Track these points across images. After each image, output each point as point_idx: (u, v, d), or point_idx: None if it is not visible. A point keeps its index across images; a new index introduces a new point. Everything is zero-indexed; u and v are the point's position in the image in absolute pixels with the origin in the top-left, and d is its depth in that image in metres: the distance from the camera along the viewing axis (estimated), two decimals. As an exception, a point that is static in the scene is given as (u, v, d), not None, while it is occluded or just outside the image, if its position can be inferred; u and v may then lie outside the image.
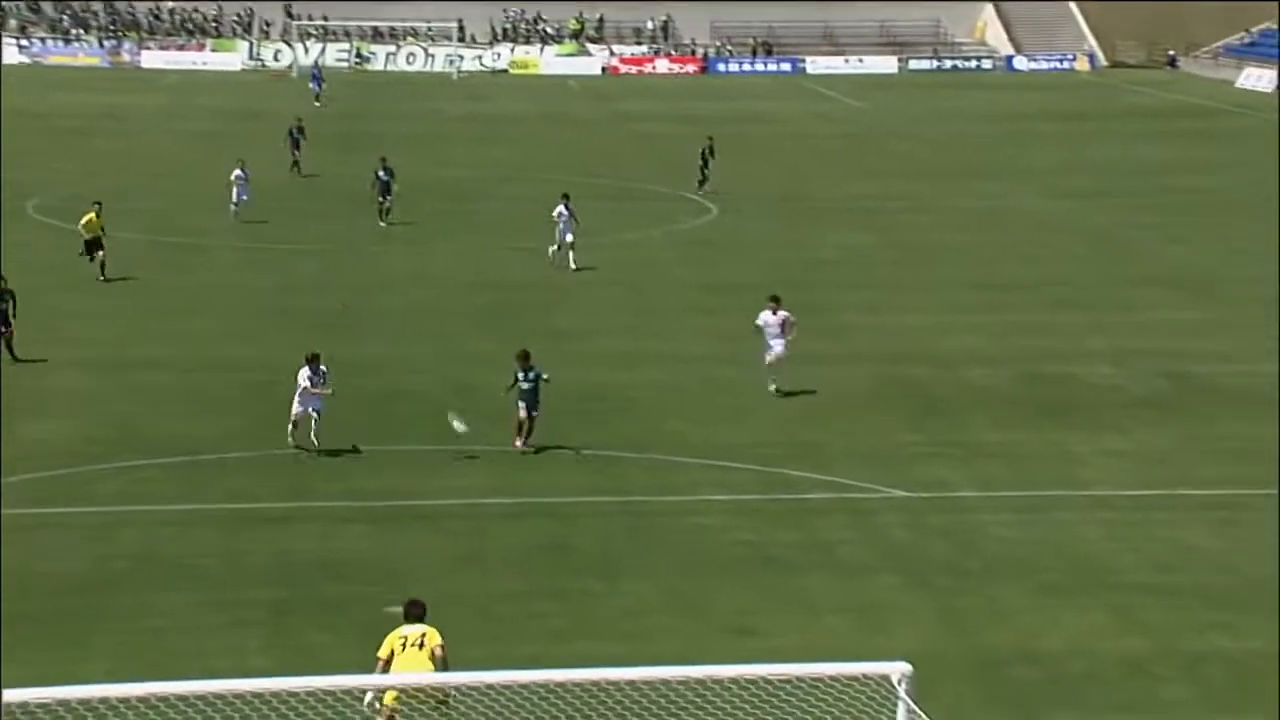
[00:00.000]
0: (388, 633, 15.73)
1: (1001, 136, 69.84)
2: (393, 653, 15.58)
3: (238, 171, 47.16)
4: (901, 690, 12.30)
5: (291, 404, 25.98)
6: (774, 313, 29.60)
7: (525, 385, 25.81)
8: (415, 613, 16.08)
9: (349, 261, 43.07)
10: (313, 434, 25.80)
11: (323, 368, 26.20)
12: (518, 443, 25.75)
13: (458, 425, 25.07)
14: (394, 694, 15.41)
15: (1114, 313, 36.95)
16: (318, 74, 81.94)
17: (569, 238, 40.58)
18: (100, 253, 38.86)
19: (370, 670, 15.29)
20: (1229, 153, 64.04)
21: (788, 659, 16.10)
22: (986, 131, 71.58)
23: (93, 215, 39.00)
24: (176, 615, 19.77)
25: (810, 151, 59.63)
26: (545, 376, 26.10)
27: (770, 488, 24.67)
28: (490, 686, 12.44)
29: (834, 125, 74.39)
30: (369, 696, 15.22)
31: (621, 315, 37.04)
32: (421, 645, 15.61)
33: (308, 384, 25.84)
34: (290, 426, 25.98)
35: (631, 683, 14.37)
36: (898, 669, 12.37)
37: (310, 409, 25.97)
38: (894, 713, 12.48)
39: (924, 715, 12.14)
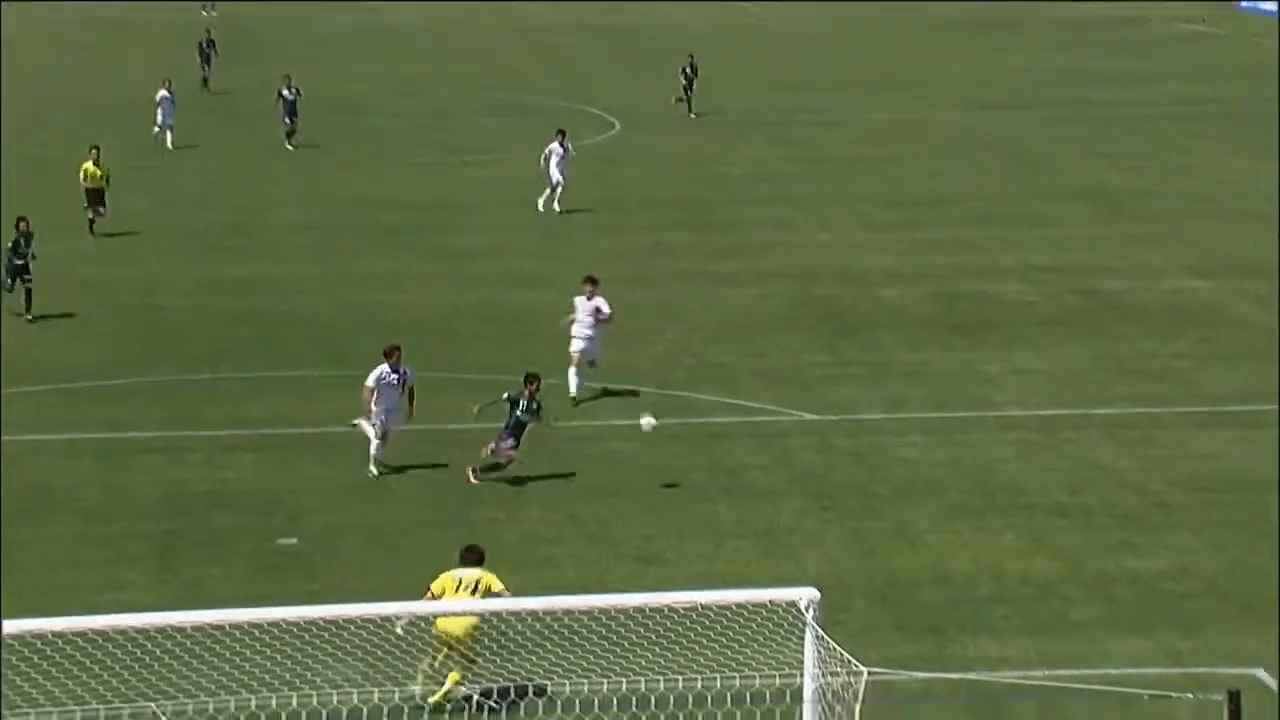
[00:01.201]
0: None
1: (915, 47, 70.06)
2: (443, 593, 15.41)
3: (163, 92, 45.69)
4: (809, 616, 12.48)
5: (366, 415, 21.91)
6: (588, 297, 25.18)
7: (523, 416, 21.66)
8: (471, 558, 15.81)
9: (237, 178, 42.46)
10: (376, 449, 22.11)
11: (405, 368, 21.99)
12: (471, 474, 21.74)
13: (647, 421, 21.90)
14: (454, 676, 15.23)
15: (1028, 228, 37.37)
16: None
17: (558, 177, 37.91)
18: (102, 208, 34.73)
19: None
20: (1155, 65, 64.73)
21: (693, 586, 16.28)
22: (899, 42, 71.77)
23: (90, 163, 34.91)
24: (56, 550, 19.56)
25: (718, 64, 59.50)
26: (550, 418, 22.23)
27: (675, 411, 24.80)
28: (385, 619, 12.45)
29: (743, 36, 74.18)
30: (401, 625, 14.98)
31: (525, 235, 36.87)
32: (475, 591, 15.40)
33: (384, 384, 21.65)
34: (375, 445, 21.91)
35: (533, 613, 14.47)
36: (805, 595, 12.53)
37: (386, 419, 21.83)
38: (802, 639, 12.67)
39: (831, 641, 12.33)
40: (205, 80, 54.86)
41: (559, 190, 38.15)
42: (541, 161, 38.58)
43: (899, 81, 59.71)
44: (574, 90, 56.51)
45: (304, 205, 39.40)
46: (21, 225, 29.34)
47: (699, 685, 15.05)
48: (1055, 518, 20.65)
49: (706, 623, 14.57)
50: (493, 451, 21.58)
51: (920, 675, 16.02)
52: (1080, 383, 26.39)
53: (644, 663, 14.71)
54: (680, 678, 15.13)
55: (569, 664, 14.68)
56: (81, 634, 11.31)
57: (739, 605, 14.78)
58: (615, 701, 13.97)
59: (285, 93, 46.25)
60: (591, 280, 25.55)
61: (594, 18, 78.01)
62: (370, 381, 21.83)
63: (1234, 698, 10.18)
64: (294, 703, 13.26)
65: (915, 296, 31.63)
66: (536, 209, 38.20)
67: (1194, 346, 28.30)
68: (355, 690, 13.44)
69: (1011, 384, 26.30)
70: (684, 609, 14.89)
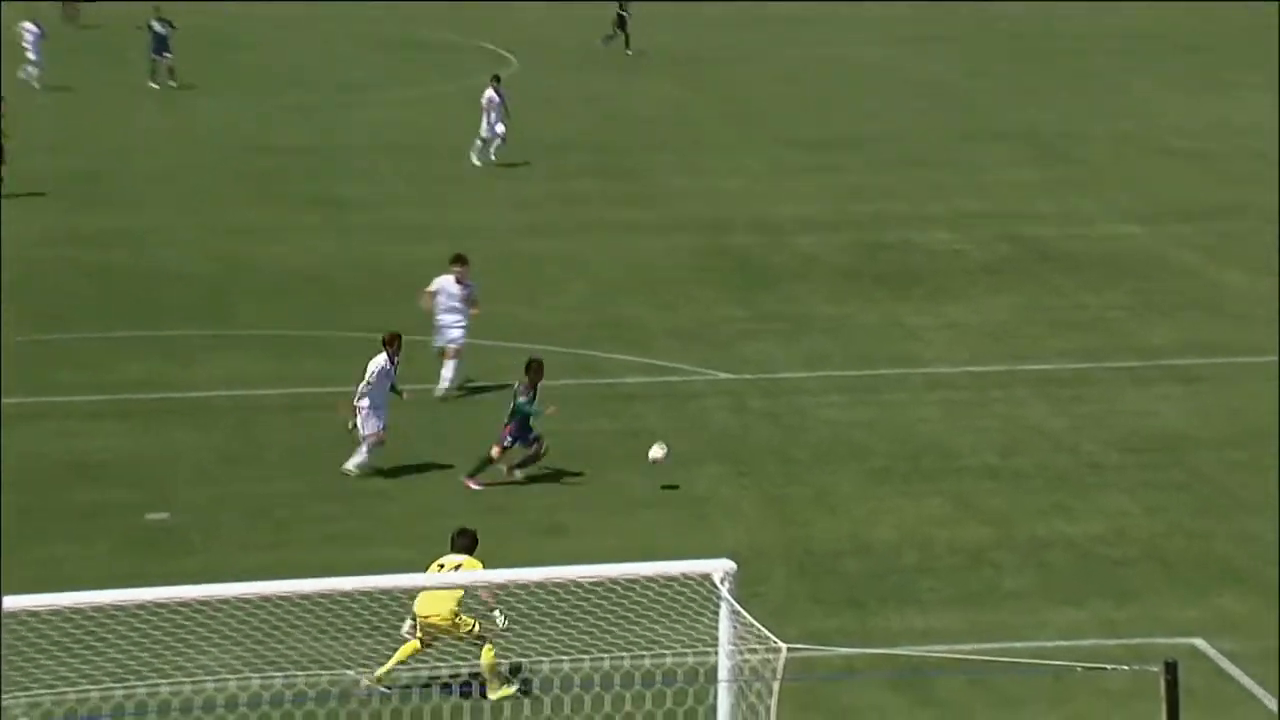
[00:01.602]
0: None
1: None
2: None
3: (28, 24, 44.58)
4: (724, 590, 12.54)
5: (356, 408, 20.70)
6: (458, 280, 23.36)
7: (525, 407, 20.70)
8: (461, 543, 15.78)
9: (98, 120, 41.75)
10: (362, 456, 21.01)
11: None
12: (472, 482, 20.66)
13: (657, 452, 20.48)
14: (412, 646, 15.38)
15: (955, 172, 37.68)
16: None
17: (500, 129, 37.22)
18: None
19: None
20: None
21: (601, 560, 16.29)
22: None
23: None
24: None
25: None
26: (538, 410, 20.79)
27: (580, 372, 24.78)
28: (266, 599, 12.35)
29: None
30: (406, 625, 15.37)
31: (411, 183, 36.61)
32: None
33: (379, 379, 20.54)
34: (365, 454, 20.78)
35: (428, 590, 14.44)
36: (720, 567, 12.59)
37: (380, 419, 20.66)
38: (717, 614, 12.74)
39: (748, 616, 12.41)
40: (71, 15, 53.83)
41: (495, 144, 37.35)
42: (483, 103, 37.35)
43: (817, 14, 59.84)
44: (468, 23, 56.08)
45: (171, 149, 38.86)
46: None
47: (607, 664, 15.10)
48: (984, 481, 20.90)
49: (615, 598, 14.60)
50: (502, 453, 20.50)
51: (842, 651, 16.17)
52: (1010, 337, 26.68)
53: (548, 641, 14.74)
54: (587, 656, 15.18)
55: (466, 644, 14.68)
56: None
57: (650, 579, 14.83)
58: (517, 682, 14.00)
59: (155, 26, 45.33)
60: (461, 260, 23.43)
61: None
62: (372, 378, 20.48)
63: (1170, 669, 10.36)
64: (164, 691, 13.15)
65: (836, 246, 31.80)
66: (472, 164, 37.30)
67: (1128, 297, 28.71)
68: (234, 677, 13.33)
69: (938, 339, 26.55)
70: (591, 583, 14.95)
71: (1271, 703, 15.44)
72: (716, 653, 12.74)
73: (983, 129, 42.29)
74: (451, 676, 15.30)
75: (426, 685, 15.12)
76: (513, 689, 15.09)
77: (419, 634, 15.43)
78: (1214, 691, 15.57)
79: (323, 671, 14.83)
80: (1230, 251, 31.40)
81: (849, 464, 21.42)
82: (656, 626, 15.18)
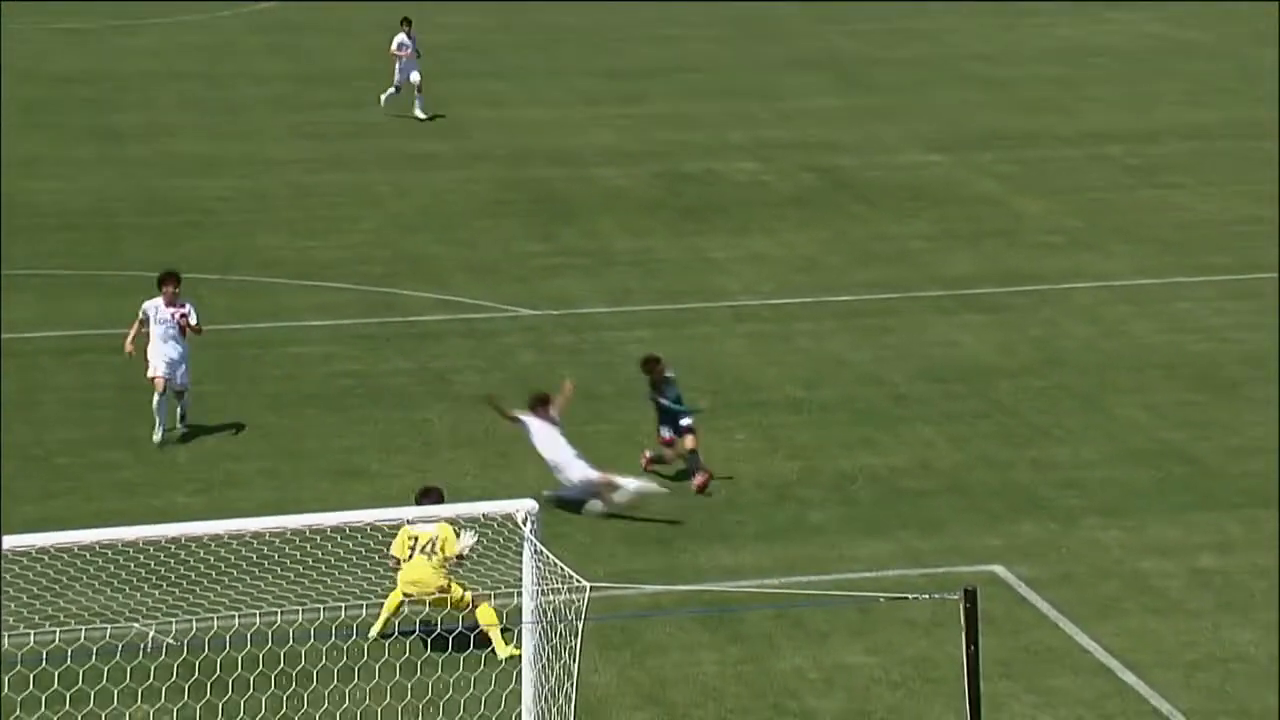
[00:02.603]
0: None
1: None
2: (404, 556, 15.05)
3: None
4: (527, 530, 12.65)
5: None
6: (169, 301, 19.96)
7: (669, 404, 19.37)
8: (427, 502, 15.10)
9: None
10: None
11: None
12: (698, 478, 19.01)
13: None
14: (395, 600, 15.15)
15: (758, 101, 38.06)
16: None
17: (415, 76, 35.62)
18: None
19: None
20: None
21: (402, 502, 16.30)
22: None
23: None
24: None
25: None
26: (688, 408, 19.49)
27: (377, 309, 24.64)
28: (44, 550, 12.15)
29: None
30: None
31: (194, 112, 35.89)
32: (432, 552, 14.93)
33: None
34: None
35: (217, 537, 14.30)
36: (523, 507, 12.69)
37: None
38: (519, 554, 12.84)
39: (552, 556, 12.54)
40: None
41: (416, 93, 35.54)
42: (393, 50, 35.89)
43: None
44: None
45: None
46: None
47: (406, 610, 15.14)
48: (790, 414, 21.28)
49: (415, 541, 14.66)
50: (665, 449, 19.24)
51: (648, 589, 16.41)
52: (815, 269, 27.14)
53: (346, 586, 14.72)
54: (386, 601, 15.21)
55: (259, 593, 14.57)
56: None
57: (452, 520, 14.89)
58: (312, 632, 13.96)
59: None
60: (172, 279, 20.08)
61: None
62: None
63: (970, 596, 10.72)
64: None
65: (638, 177, 31.98)
66: (379, 104, 35.80)
67: (930, 226, 29.36)
68: (6, 634, 13.12)
69: (744, 271, 26.90)
70: (391, 527, 14.94)
71: (1067, 625, 16.06)
72: (519, 594, 12.87)
73: (784, 57, 42.74)
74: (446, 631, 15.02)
75: (424, 636, 14.83)
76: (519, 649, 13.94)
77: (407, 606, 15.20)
78: (1012, 617, 16.13)
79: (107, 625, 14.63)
80: (1029, 179, 32.28)
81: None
82: (459, 569, 15.26)
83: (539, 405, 18.55)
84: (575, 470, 18.23)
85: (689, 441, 19.08)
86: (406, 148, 33.64)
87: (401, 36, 36.09)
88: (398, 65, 35.86)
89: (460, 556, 15.11)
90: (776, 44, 44.33)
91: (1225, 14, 48.67)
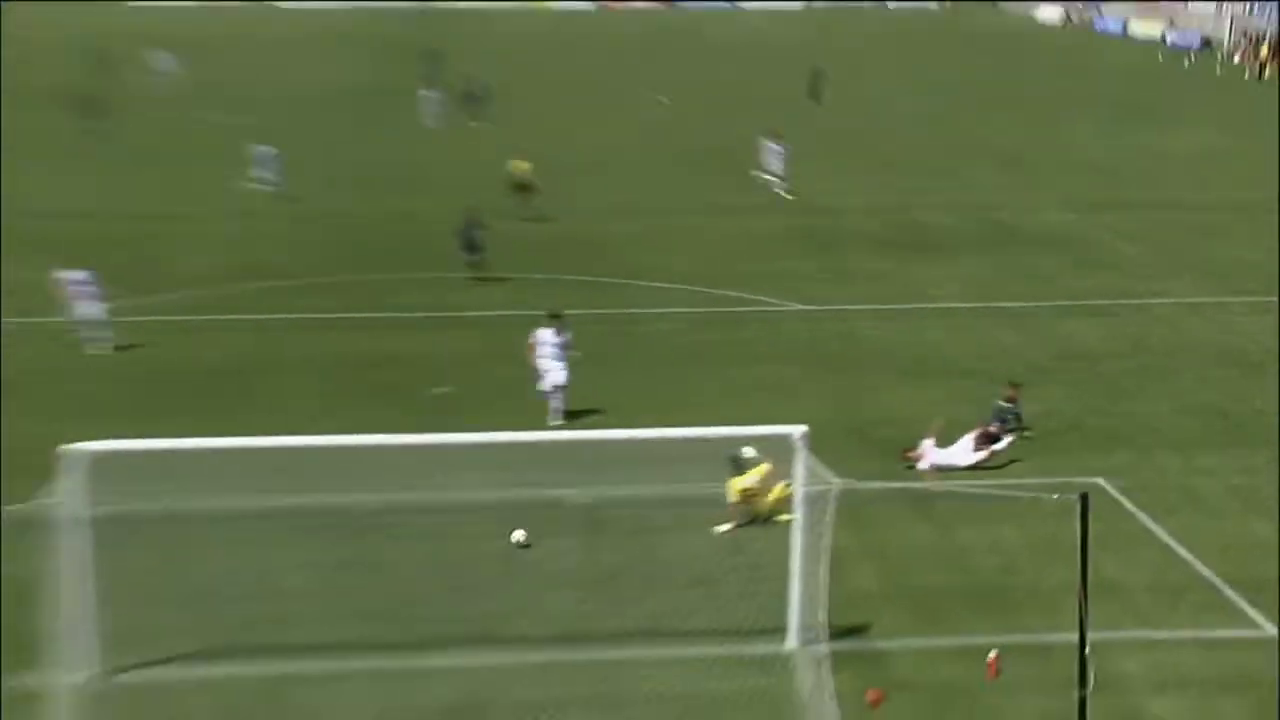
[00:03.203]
0: None
1: None
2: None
3: None
4: (800, 445, 12.56)
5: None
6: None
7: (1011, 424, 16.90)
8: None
9: None
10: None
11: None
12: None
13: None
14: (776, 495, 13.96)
15: (949, 178, 36.86)
16: None
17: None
18: None
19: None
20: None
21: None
22: None
23: None
24: None
25: None
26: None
27: (710, 301, 24.59)
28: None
29: None
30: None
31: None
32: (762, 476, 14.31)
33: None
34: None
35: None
36: (796, 430, 12.57)
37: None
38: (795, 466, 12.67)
39: (816, 462, 12.60)
40: None
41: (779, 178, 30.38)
42: None
43: None
44: None
45: None
46: None
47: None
48: (966, 380, 20.72)
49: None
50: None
51: (875, 485, 15.51)
52: (986, 286, 26.41)
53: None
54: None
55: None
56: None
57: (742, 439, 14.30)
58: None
59: None
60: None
61: None
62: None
63: (1083, 498, 10.62)
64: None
65: (873, 222, 31.63)
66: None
67: (1061, 259, 28.36)
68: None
69: (942, 285, 26.26)
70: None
71: (1144, 519, 15.73)
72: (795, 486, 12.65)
73: (956, 147, 41.43)
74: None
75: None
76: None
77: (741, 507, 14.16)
78: (1109, 512, 15.64)
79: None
80: (1128, 231, 31.00)
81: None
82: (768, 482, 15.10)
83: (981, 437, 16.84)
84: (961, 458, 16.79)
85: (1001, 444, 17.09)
86: (734, 201, 33.94)
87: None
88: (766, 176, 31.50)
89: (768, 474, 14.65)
90: (948, 137, 43.13)
91: None
